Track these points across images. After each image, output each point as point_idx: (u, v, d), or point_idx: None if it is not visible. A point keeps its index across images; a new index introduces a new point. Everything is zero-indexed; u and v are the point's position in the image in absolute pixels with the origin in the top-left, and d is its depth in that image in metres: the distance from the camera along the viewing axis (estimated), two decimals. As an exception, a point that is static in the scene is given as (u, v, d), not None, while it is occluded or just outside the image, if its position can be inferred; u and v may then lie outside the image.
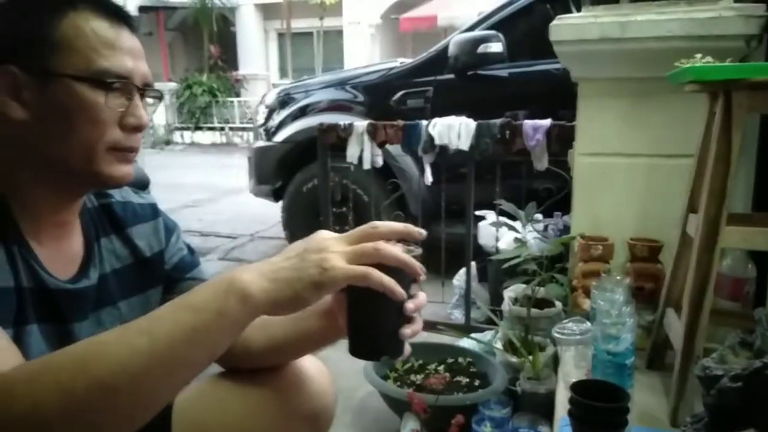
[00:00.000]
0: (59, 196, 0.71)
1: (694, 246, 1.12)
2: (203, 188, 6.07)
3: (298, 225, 3.17)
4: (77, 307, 0.73)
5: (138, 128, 0.71)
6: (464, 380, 1.64)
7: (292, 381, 0.84)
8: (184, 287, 0.84)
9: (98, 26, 0.67)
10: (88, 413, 0.52)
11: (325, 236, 0.61)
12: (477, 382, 1.62)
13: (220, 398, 0.84)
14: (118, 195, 0.83)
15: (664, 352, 1.32)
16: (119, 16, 0.70)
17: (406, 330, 0.62)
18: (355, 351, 0.64)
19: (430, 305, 2.81)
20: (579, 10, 1.68)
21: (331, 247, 0.58)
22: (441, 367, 1.71)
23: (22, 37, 0.66)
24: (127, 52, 0.69)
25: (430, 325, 2.21)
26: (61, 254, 0.73)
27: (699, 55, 1.15)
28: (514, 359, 1.57)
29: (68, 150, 0.67)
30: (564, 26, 1.54)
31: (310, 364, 0.87)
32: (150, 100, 0.76)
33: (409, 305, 0.61)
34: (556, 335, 1.32)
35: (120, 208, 0.83)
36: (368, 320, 0.63)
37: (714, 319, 1.17)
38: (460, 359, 1.75)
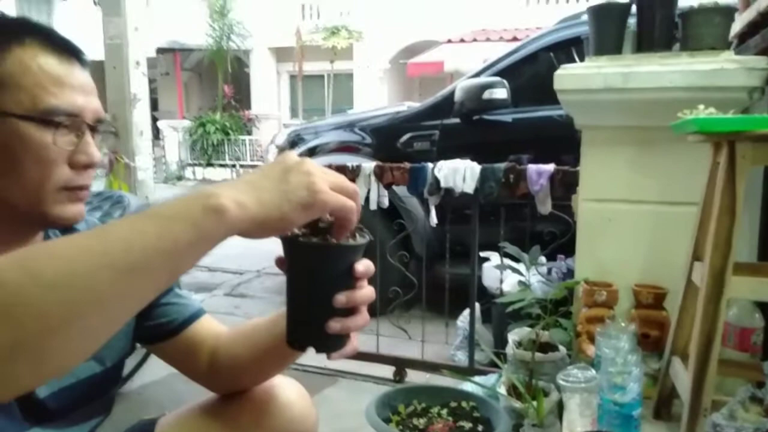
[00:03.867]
0: (11, 236, 0.68)
1: (700, 295, 1.11)
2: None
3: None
4: None
5: (89, 166, 0.68)
6: (467, 425, 1.60)
7: (273, 405, 0.83)
8: (156, 313, 0.82)
9: (46, 62, 0.65)
10: (19, 305, 0.43)
11: (302, 158, 0.55)
12: (480, 428, 1.58)
13: (200, 426, 0.83)
14: (83, 225, 0.79)
15: (671, 401, 1.30)
16: (69, 51, 0.68)
17: (334, 323, 0.56)
18: (287, 338, 0.59)
19: (433, 346, 2.75)
20: (582, 58, 1.73)
21: (316, 172, 0.53)
22: (444, 411, 1.68)
23: None
24: (77, 89, 0.67)
25: (433, 367, 2.18)
26: None
27: (702, 106, 1.17)
28: (517, 404, 1.54)
29: (14, 191, 0.65)
30: (568, 76, 1.58)
31: (290, 389, 0.86)
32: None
33: (340, 298, 0.56)
34: (561, 382, 1.30)
35: None
36: (295, 305, 0.58)
37: (721, 370, 1.15)
38: (464, 403, 1.71)
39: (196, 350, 0.83)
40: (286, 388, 0.86)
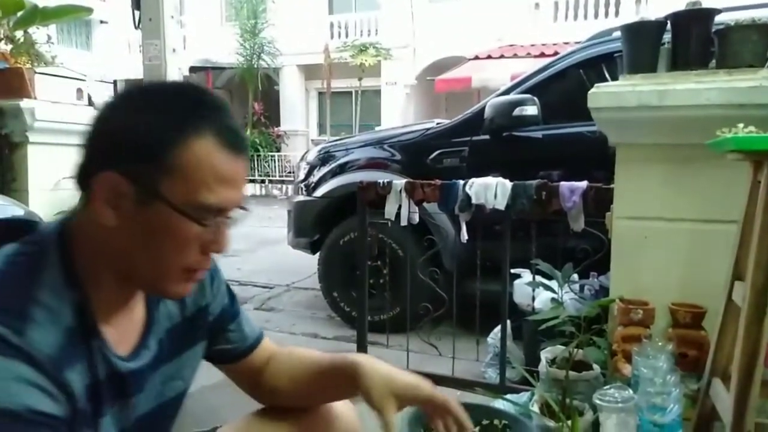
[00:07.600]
0: (117, 294, 0.71)
1: (742, 316, 1.10)
2: (242, 238, 6.20)
3: (333, 277, 3.21)
4: (140, 380, 0.74)
5: (217, 253, 0.71)
6: (500, 444, 1.59)
7: (322, 419, 0.90)
8: (224, 338, 0.89)
9: (219, 160, 0.65)
10: None
11: None
12: (513, 447, 1.57)
13: None
14: None
15: (711, 423, 1.27)
16: (238, 145, 0.67)
17: None
18: None
19: (463, 362, 2.71)
20: (612, 75, 1.73)
21: None
22: (476, 429, 1.67)
23: (141, 150, 0.63)
24: (234, 185, 0.67)
25: (463, 384, 2.17)
26: (126, 327, 0.74)
27: (741, 125, 1.16)
28: (551, 424, 1.52)
29: (144, 264, 0.67)
30: (602, 94, 1.58)
31: (338, 402, 0.92)
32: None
33: None
34: (598, 402, 1.29)
35: None
36: None
37: (765, 392, 1.13)
38: (495, 421, 1.70)
39: (256, 375, 0.91)
40: (334, 402, 0.92)
